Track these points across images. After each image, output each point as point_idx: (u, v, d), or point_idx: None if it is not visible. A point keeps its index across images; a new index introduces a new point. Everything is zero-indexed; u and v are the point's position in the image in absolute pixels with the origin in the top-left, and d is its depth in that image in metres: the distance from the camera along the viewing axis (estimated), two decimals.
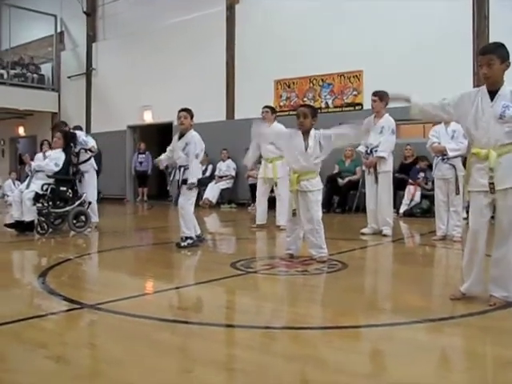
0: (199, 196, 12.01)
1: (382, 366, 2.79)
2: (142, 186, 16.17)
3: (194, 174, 6.28)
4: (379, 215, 7.34)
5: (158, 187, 16.73)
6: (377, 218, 7.39)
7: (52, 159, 7.85)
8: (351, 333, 3.25)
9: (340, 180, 11.27)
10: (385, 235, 7.21)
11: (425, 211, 9.96)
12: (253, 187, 11.59)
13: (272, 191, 8.51)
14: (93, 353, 2.98)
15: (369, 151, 7.34)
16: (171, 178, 6.65)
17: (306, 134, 5.33)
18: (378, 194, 7.33)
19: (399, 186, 10.02)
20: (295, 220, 5.46)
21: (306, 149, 5.27)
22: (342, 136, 5.36)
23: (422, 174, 10.28)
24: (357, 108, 11.93)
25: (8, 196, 15.41)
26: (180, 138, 6.40)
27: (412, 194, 10.23)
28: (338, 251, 5.84)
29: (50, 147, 9.04)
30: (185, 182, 6.29)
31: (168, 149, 6.69)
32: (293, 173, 5.41)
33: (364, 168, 7.63)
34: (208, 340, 3.08)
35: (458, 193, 6.53)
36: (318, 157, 5.29)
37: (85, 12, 17.84)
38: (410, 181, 10.31)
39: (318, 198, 5.35)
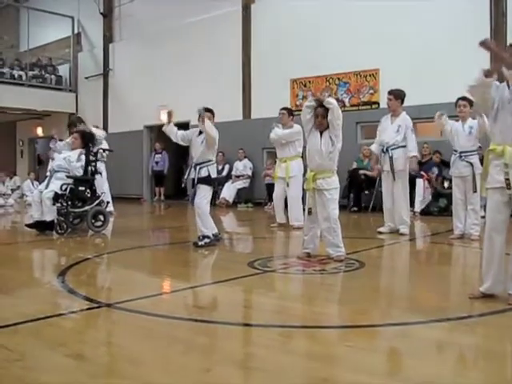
0: (216, 195, 12.08)
1: (399, 364, 2.78)
2: (159, 186, 16.24)
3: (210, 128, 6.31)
4: (396, 214, 7.31)
5: (174, 187, 16.79)
6: (393, 217, 7.36)
7: (77, 160, 7.90)
8: (369, 332, 3.25)
9: (360, 172, 11.23)
10: (402, 234, 7.18)
11: (442, 210, 9.90)
12: (269, 186, 11.60)
13: None
14: (112, 351, 3.01)
15: (385, 149, 7.31)
16: (186, 177, 6.68)
17: (322, 132, 5.36)
18: (395, 193, 7.31)
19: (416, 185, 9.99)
20: (312, 219, 5.46)
21: (321, 147, 5.30)
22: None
23: (435, 170, 10.21)
24: (373, 107, 11.88)
25: (27, 196, 15.57)
26: (199, 134, 6.47)
27: (422, 189, 10.16)
28: (355, 250, 5.83)
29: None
30: (200, 180, 6.33)
31: (183, 132, 6.74)
32: (309, 171, 5.43)
33: (376, 167, 7.61)
34: (226, 339, 3.10)
35: (475, 191, 6.48)
36: (330, 152, 5.30)
37: (101, 13, 17.95)
38: (421, 173, 10.22)
39: (334, 196, 5.35)
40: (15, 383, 2.45)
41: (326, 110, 5.43)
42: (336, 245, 5.31)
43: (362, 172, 11.22)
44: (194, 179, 6.41)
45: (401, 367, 2.72)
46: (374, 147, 7.55)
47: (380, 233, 7.40)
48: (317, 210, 5.39)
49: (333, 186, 5.35)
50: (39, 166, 20.18)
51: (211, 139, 6.30)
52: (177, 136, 6.71)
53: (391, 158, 7.22)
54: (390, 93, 7.38)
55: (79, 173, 7.83)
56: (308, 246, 5.51)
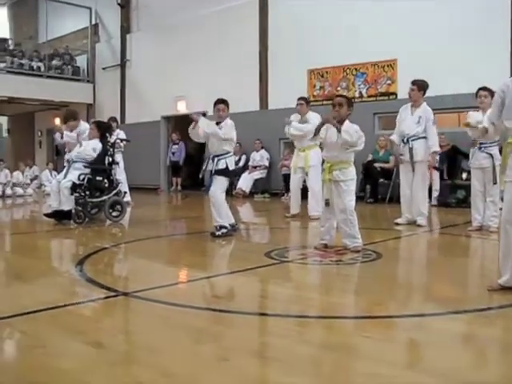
0: (233, 186, 12.10)
1: (418, 356, 2.77)
2: (176, 176, 16.29)
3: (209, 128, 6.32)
4: (414, 205, 7.27)
5: (191, 177, 16.84)
6: (411, 208, 7.32)
7: (89, 145, 7.94)
8: (386, 322, 3.24)
9: (375, 165, 11.16)
10: (419, 225, 7.14)
11: (460, 201, 9.81)
12: (286, 177, 11.59)
13: (305, 181, 8.50)
14: (130, 339, 3.03)
15: (405, 140, 7.25)
16: (204, 168, 6.68)
17: (340, 124, 5.28)
18: (414, 184, 7.26)
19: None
20: (329, 210, 5.44)
21: (337, 140, 5.24)
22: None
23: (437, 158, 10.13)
24: (391, 97, 11.78)
25: (45, 186, 15.72)
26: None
27: (438, 181, 10.09)
28: (371, 241, 5.80)
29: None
30: (217, 172, 6.34)
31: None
32: (326, 162, 5.41)
33: (399, 157, 7.51)
34: (243, 328, 3.10)
35: (495, 182, 6.41)
36: (347, 148, 5.25)
37: (119, 4, 17.98)
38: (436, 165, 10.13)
39: (350, 187, 5.32)
40: (38, 369, 2.48)
41: (344, 98, 5.40)
42: (353, 236, 5.29)
43: (377, 165, 11.15)
44: (211, 170, 6.42)
45: (419, 358, 2.71)
46: (395, 137, 7.48)
47: (397, 224, 7.36)
48: (333, 201, 5.37)
49: (349, 177, 5.32)
50: (57, 157, 20.33)
51: (219, 137, 6.31)
52: (199, 139, 6.69)
53: (411, 149, 7.17)
54: (413, 83, 7.29)
55: (89, 156, 7.85)
56: (324, 237, 5.49)
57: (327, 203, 5.40)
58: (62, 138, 8.47)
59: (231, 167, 6.49)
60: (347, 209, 5.26)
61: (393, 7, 11.55)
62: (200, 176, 6.72)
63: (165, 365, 2.50)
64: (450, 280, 4.34)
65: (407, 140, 7.22)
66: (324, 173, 5.41)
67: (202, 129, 6.33)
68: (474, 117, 6.31)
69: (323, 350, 2.75)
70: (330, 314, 3.39)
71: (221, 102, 6.46)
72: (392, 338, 2.97)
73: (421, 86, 7.23)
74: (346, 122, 5.26)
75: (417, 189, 7.24)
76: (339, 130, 5.16)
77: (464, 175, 9.87)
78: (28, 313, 3.29)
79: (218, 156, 6.37)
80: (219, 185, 6.37)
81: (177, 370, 2.45)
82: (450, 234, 6.95)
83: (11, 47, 19.66)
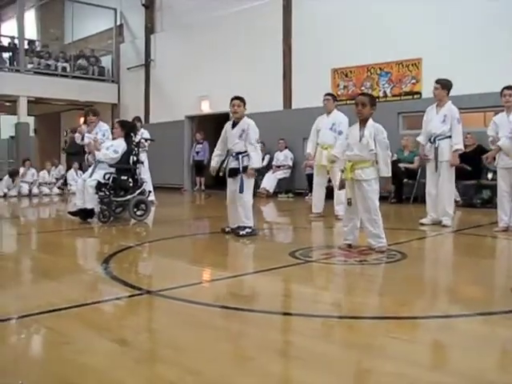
0: (256, 185, 12.10)
1: (443, 357, 2.74)
2: (200, 176, 16.35)
3: (256, 160, 6.35)
4: (439, 205, 7.20)
5: (214, 177, 16.90)
6: (436, 208, 7.26)
7: (110, 147, 8.01)
8: (411, 323, 3.22)
9: (400, 165, 11.07)
10: (444, 226, 7.07)
11: (485, 201, 9.70)
12: (310, 177, 11.53)
13: (330, 180, 8.45)
14: (154, 337, 3.06)
15: (432, 140, 7.20)
16: (225, 165, 6.68)
17: (363, 123, 5.27)
18: (439, 184, 7.20)
19: (459, 176, 9.78)
20: (351, 209, 5.40)
21: (361, 139, 5.21)
22: (381, 156, 5.24)
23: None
24: (415, 97, 11.68)
25: (71, 185, 15.89)
26: (233, 126, 6.47)
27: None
28: (396, 241, 5.76)
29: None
30: (245, 169, 6.34)
31: (217, 148, 6.77)
32: (348, 161, 5.35)
33: (426, 157, 7.42)
34: (268, 328, 3.11)
35: None
36: (371, 149, 5.20)
37: (143, 4, 18.13)
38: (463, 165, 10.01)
39: (374, 187, 5.25)
40: (66, 366, 2.51)
41: (367, 97, 5.37)
42: (377, 236, 5.25)
43: (402, 165, 11.06)
44: (236, 168, 6.42)
45: (445, 360, 2.68)
46: (421, 138, 7.42)
47: (422, 224, 7.30)
48: (356, 201, 5.34)
49: (372, 176, 5.25)
50: (73, 157, 20.52)
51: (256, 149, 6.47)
52: (220, 157, 6.77)
53: (437, 149, 7.12)
54: (437, 82, 7.24)
55: (111, 160, 7.91)
56: (348, 237, 5.45)
57: (349, 203, 5.37)
58: (82, 139, 8.50)
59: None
60: (371, 208, 5.22)
61: (418, 6, 11.45)
62: (221, 174, 6.72)
63: (190, 363, 2.52)
64: (475, 281, 4.29)
65: (434, 139, 7.16)
66: (345, 172, 5.35)
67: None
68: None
69: (348, 349, 2.74)
70: (354, 315, 3.38)
71: (236, 98, 6.48)
72: (417, 339, 2.95)
73: (444, 84, 7.17)
74: (370, 121, 5.24)
75: (442, 189, 7.17)
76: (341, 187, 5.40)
77: (490, 175, 9.74)
78: (56, 310, 3.34)
79: (242, 153, 6.38)
80: (249, 186, 6.40)
81: (202, 369, 2.46)
82: (476, 235, 6.87)
83: (38, 48, 19.93)
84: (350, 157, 5.34)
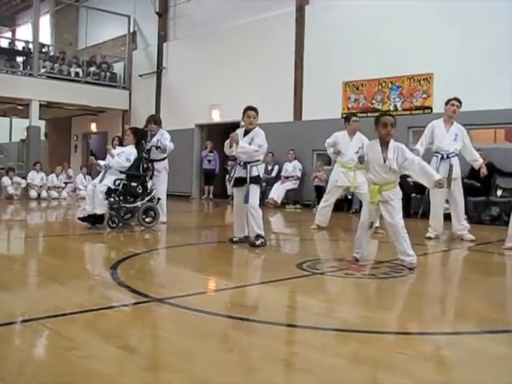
0: (264, 196, 12.11)
1: (452, 374, 2.72)
2: (209, 184, 16.38)
3: (248, 148, 6.30)
4: (455, 220, 7.39)
5: (223, 186, 16.93)
6: (440, 224, 7.46)
7: (122, 154, 8.04)
8: (419, 339, 3.20)
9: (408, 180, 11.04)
10: (466, 239, 7.34)
11: (494, 218, 9.66)
12: (318, 188, 11.57)
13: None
14: (161, 345, 3.05)
15: (445, 157, 7.29)
16: (232, 174, 6.66)
17: (385, 143, 5.14)
18: (454, 199, 7.38)
19: (470, 193, 9.76)
20: (365, 229, 5.33)
21: (385, 160, 5.09)
22: (415, 171, 5.16)
23: None
24: (426, 112, 11.69)
25: (80, 190, 15.97)
26: (245, 135, 6.47)
27: None
28: None
29: (121, 143, 9.32)
30: (252, 179, 6.35)
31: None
32: (373, 184, 5.21)
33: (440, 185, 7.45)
34: (275, 339, 3.10)
35: None
36: (396, 171, 5.13)
37: (157, 12, 18.26)
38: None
39: (399, 205, 5.20)
40: (73, 371, 2.51)
41: (394, 117, 5.25)
42: (406, 253, 5.17)
43: (410, 180, 11.01)
44: (243, 178, 6.42)
45: (453, 377, 2.66)
46: (421, 150, 7.36)
47: (429, 238, 7.32)
48: (383, 221, 5.36)
49: (398, 195, 5.19)
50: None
51: (256, 153, 6.35)
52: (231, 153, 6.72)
53: (451, 166, 7.26)
54: (458, 100, 7.36)
55: (122, 167, 7.94)
56: (357, 250, 5.43)
57: (371, 226, 5.33)
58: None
59: (261, 175, 6.61)
60: (399, 226, 5.15)
61: (430, 21, 11.47)
62: (227, 184, 6.73)
63: (196, 372, 2.52)
64: (484, 298, 4.27)
65: (447, 156, 7.28)
66: (372, 195, 5.19)
67: (238, 150, 6.32)
68: None
69: (354, 363, 2.73)
70: (361, 329, 3.36)
71: (251, 109, 6.46)
72: (426, 355, 2.93)
73: (461, 104, 7.34)
74: (392, 142, 5.14)
75: (458, 203, 7.38)
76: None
77: (499, 192, 9.72)
78: (63, 314, 3.35)
79: (250, 163, 6.38)
80: (257, 195, 6.41)
81: (209, 377, 2.46)
82: (485, 252, 6.84)
83: (52, 53, 20.09)
84: (375, 180, 5.21)
